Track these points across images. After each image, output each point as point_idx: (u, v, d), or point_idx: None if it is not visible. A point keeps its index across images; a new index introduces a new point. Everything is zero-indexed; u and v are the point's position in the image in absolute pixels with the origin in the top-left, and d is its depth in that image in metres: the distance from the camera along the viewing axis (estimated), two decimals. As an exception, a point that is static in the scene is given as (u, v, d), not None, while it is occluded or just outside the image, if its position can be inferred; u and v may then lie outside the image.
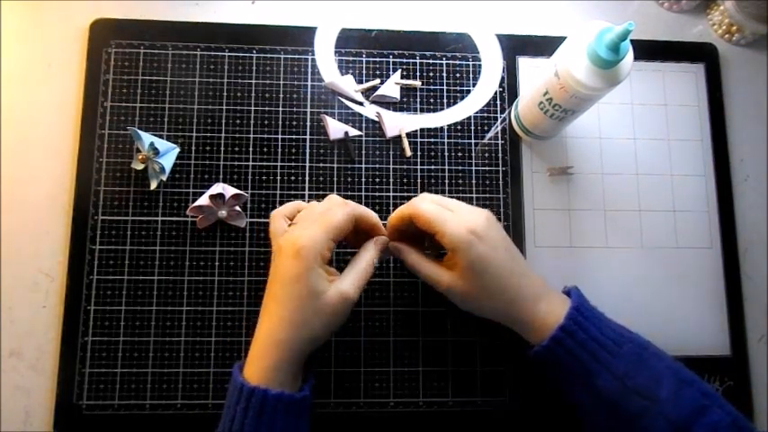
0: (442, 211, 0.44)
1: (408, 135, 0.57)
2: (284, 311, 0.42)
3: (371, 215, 0.47)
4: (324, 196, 0.48)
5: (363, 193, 0.56)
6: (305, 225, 0.44)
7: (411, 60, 0.59)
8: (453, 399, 0.53)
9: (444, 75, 0.59)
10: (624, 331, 0.45)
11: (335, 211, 0.44)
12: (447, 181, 0.57)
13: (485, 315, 0.47)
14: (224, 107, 0.56)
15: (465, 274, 0.44)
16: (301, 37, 0.59)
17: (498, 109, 0.59)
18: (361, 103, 0.58)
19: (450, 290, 0.45)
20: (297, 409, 0.42)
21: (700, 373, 0.54)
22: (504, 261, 0.44)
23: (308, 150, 0.56)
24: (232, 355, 0.52)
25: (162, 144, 0.53)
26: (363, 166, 0.56)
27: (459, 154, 0.57)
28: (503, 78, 0.59)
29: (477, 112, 0.58)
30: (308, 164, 0.56)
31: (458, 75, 0.59)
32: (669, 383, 0.41)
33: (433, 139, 0.57)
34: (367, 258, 0.45)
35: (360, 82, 0.58)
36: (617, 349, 0.43)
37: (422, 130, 0.58)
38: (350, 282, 0.43)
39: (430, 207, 0.44)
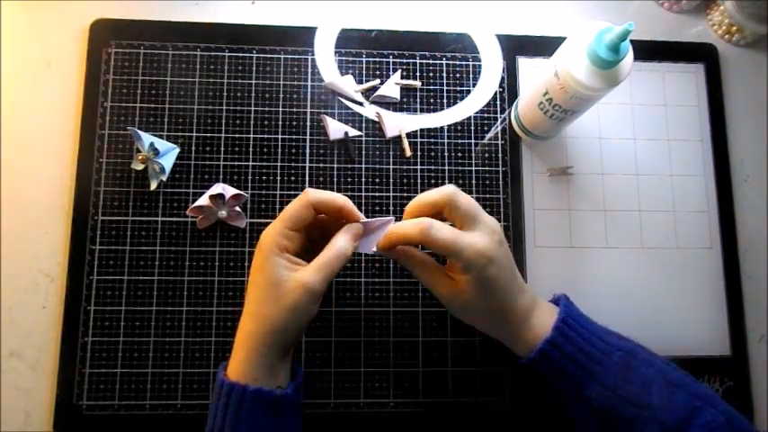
0: (454, 237, 0.42)
1: (408, 135, 0.57)
2: (249, 303, 0.43)
3: (334, 198, 0.44)
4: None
5: (363, 194, 0.56)
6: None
7: (411, 60, 0.59)
8: (453, 399, 0.53)
9: (444, 75, 0.59)
10: (613, 339, 0.44)
11: (293, 201, 0.44)
12: (447, 181, 0.57)
13: (476, 326, 0.47)
14: (224, 107, 0.56)
15: (470, 290, 0.43)
16: (301, 37, 0.59)
17: (498, 109, 0.59)
18: (361, 104, 0.58)
19: (451, 301, 0.44)
20: (276, 405, 0.41)
21: (700, 373, 0.54)
22: (508, 281, 0.44)
23: (307, 150, 0.56)
24: (232, 355, 0.52)
25: (162, 144, 0.53)
26: (363, 166, 0.56)
27: (459, 154, 0.57)
28: (503, 78, 0.59)
29: (477, 113, 0.58)
30: (307, 164, 0.56)
31: (458, 75, 0.59)
32: (660, 389, 0.41)
33: (433, 140, 0.57)
34: (335, 247, 0.43)
35: (360, 82, 0.58)
36: (605, 360, 0.43)
37: (422, 130, 0.58)
38: (312, 271, 0.41)
39: (443, 235, 0.42)
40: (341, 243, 0.43)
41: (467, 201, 0.44)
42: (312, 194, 0.43)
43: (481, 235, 0.43)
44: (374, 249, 0.46)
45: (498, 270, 0.42)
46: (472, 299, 0.43)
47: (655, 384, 0.42)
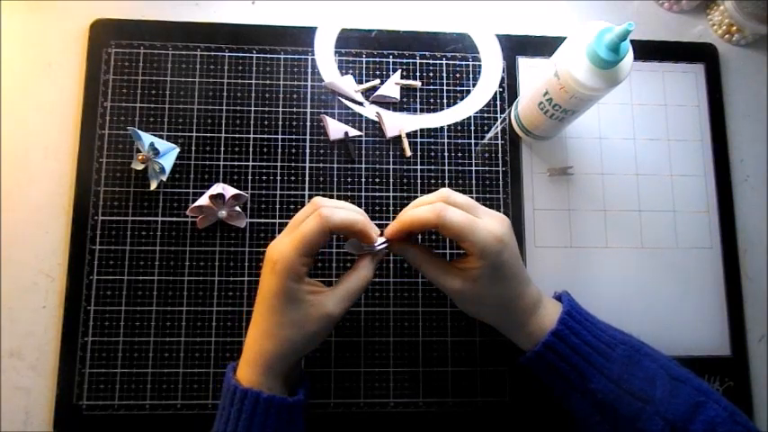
0: (470, 219, 0.41)
1: (408, 135, 0.57)
2: (265, 324, 0.42)
3: (352, 223, 0.42)
4: (324, 197, 0.45)
5: (363, 194, 0.56)
6: (284, 234, 0.43)
7: (411, 60, 0.59)
8: (453, 399, 0.53)
9: (444, 75, 0.59)
10: (617, 333, 0.45)
11: (307, 223, 0.41)
12: (447, 181, 0.57)
13: (483, 319, 0.47)
14: (224, 107, 0.56)
15: (484, 279, 0.42)
16: (301, 37, 0.59)
17: (498, 109, 0.59)
18: (361, 104, 0.58)
19: (463, 293, 0.44)
20: (289, 412, 0.42)
21: (700, 373, 0.54)
22: (518, 269, 0.44)
23: (307, 150, 0.56)
24: (232, 355, 0.52)
25: (162, 144, 0.53)
26: (363, 166, 0.56)
27: (459, 154, 0.57)
28: (503, 78, 0.59)
29: (477, 113, 0.58)
30: (308, 164, 0.56)
31: (458, 75, 0.59)
32: (663, 383, 0.42)
33: (432, 140, 0.57)
34: (360, 277, 0.43)
35: (360, 82, 0.58)
36: (610, 352, 0.43)
37: (422, 130, 0.58)
38: (336, 301, 0.42)
39: (458, 217, 0.41)
40: (366, 272, 0.44)
41: (463, 197, 0.44)
42: (329, 221, 0.41)
43: (492, 221, 0.43)
44: (384, 246, 0.45)
45: (510, 257, 0.43)
46: (483, 288, 0.43)
47: (658, 379, 0.42)
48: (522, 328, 0.45)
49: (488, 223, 0.42)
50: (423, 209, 0.42)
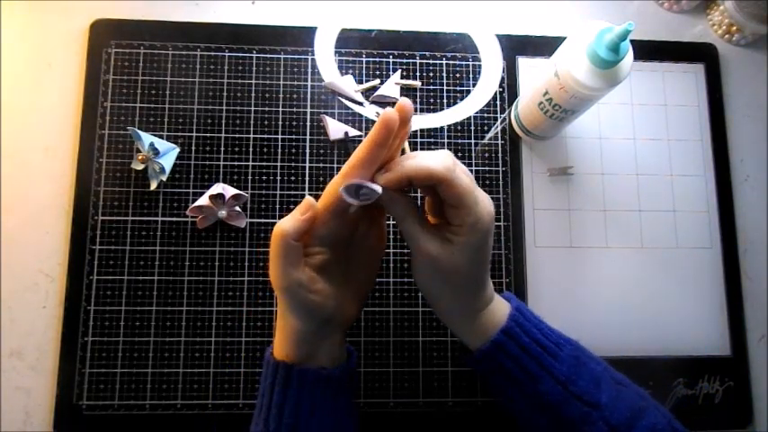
0: (474, 188, 0.38)
1: (408, 135, 0.57)
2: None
3: (310, 219, 0.40)
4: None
5: (363, 194, 0.56)
6: None
7: (411, 60, 0.59)
8: (453, 399, 0.53)
9: (444, 75, 0.59)
10: (561, 334, 0.44)
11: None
12: (447, 181, 0.57)
13: (435, 299, 0.43)
14: (224, 107, 0.56)
15: (464, 254, 0.39)
16: (301, 37, 0.59)
17: (498, 109, 0.59)
18: (361, 104, 0.58)
19: (435, 261, 0.39)
20: (325, 384, 0.40)
21: (700, 373, 0.54)
22: (489, 261, 0.41)
23: (307, 150, 0.56)
24: (232, 355, 0.52)
25: (162, 144, 0.53)
26: (363, 166, 0.56)
27: (459, 154, 0.57)
28: (503, 78, 0.59)
29: (477, 113, 0.58)
30: (307, 164, 0.56)
31: (458, 75, 0.59)
32: (608, 387, 0.41)
33: (433, 140, 0.57)
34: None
35: (360, 82, 0.58)
36: (558, 351, 0.41)
37: (422, 130, 0.58)
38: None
39: (467, 181, 0.37)
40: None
41: (464, 182, 0.39)
42: (287, 232, 0.39)
43: (486, 199, 0.39)
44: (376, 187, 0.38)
45: (491, 243, 0.40)
46: (458, 262, 0.39)
47: (603, 381, 0.41)
48: (474, 320, 0.42)
49: (485, 198, 0.39)
50: (432, 160, 0.37)
